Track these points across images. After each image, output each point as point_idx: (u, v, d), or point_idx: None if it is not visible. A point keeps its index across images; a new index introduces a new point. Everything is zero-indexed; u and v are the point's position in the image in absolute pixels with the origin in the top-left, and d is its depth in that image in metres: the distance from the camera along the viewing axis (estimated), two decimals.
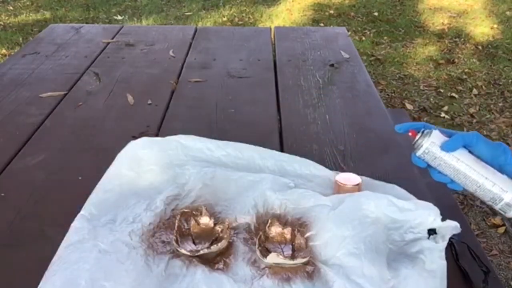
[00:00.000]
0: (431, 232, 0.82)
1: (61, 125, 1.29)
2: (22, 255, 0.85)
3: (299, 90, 1.49)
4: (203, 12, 4.54)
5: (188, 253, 0.79)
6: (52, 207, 0.97)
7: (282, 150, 1.15)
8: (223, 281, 0.75)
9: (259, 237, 0.83)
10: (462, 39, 3.88)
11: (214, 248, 0.80)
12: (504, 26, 4.13)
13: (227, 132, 1.23)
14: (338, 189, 0.94)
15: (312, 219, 0.86)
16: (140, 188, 0.95)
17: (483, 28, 4.07)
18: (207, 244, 0.83)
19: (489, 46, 3.75)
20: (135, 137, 1.11)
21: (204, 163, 1.03)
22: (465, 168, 0.77)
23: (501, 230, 1.98)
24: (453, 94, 3.07)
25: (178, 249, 0.80)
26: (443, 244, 0.80)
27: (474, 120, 2.78)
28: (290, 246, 0.83)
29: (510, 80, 3.25)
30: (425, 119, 2.77)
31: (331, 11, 4.53)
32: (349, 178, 0.95)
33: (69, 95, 1.45)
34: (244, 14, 4.48)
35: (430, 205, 0.85)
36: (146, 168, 1.00)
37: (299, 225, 0.86)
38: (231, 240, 0.83)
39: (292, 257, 0.80)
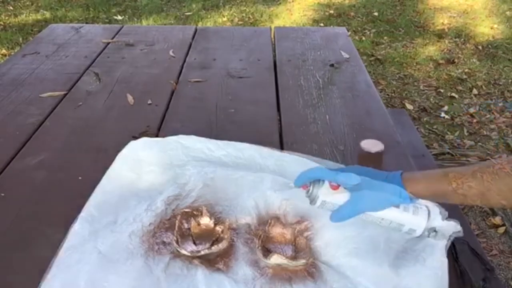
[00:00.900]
0: (431, 230, 0.83)
1: (61, 125, 1.29)
2: (22, 255, 0.85)
3: (299, 90, 1.49)
4: (203, 12, 4.54)
5: (189, 254, 0.79)
6: (52, 207, 0.97)
7: (282, 150, 1.15)
8: (224, 281, 0.74)
9: (260, 237, 0.83)
10: (462, 39, 3.88)
11: (215, 248, 0.80)
12: (504, 26, 4.13)
13: (227, 132, 1.23)
14: (363, 155, 1.02)
15: (313, 219, 0.86)
16: (140, 189, 0.95)
17: (483, 28, 4.07)
18: (207, 245, 0.83)
19: (489, 46, 3.75)
20: (135, 137, 1.11)
21: (205, 163, 1.03)
22: (360, 216, 0.80)
23: (501, 230, 1.98)
24: (453, 94, 3.07)
25: (179, 249, 0.80)
26: (444, 242, 0.80)
27: (474, 120, 2.78)
28: (291, 247, 0.83)
29: (510, 80, 3.25)
30: (425, 119, 2.77)
31: (331, 11, 4.53)
32: (374, 144, 1.04)
33: (69, 95, 1.45)
34: (244, 14, 4.48)
35: (434, 204, 0.85)
36: (146, 169, 1.00)
37: (299, 225, 0.86)
38: (231, 241, 0.83)
39: (293, 257, 0.80)
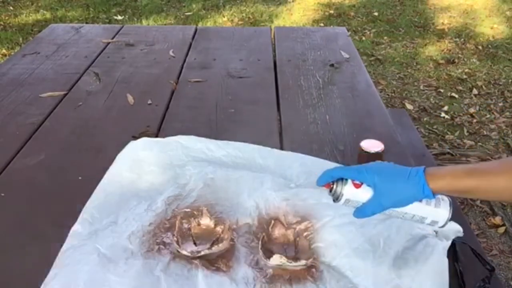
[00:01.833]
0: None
1: (61, 125, 1.29)
2: (22, 255, 0.85)
3: (299, 90, 1.48)
4: (203, 12, 4.54)
5: (189, 254, 0.79)
6: (52, 207, 0.97)
7: (282, 150, 1.15)
8: (224, 282, 0.74)
9: (262, 238, 0.82)
10: (462, 39, 3.88)
11: (215, 248, 0.80)
12: (504, 26, 4.13)
13: (227, 132, 1.23)
14: (362, 155, 1.02)
15: (315, 219, 0.86)
16: (141, 190, 0.95)
17: (483, 28, 4.07)
18: (208, 245, 0.83)
19: (489, 46, 3.75)
20: (135, 137, 1.11)
21: (205, 163, 1.03)
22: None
23: (501, 230, 1.98)
24: (453, 94, 3.07)
25: (179, 249, 0.80)
26: (446, 243, 0.80)
27: (474, 120, 2.77)
28: (293, 247, 0.83)
29: (510, 80, 3.25)
30: (425, 119, 2.77)
31: (331, 11, 4.52)
32: (374, 144, 1.04)
33: (69, 95, 1.45)
34: (244, 14, 4.48)
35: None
36: (146, 169, 1.00)
37: (301, 226, 0.86)
38: (232, 241, 0.83)
39: (295, 258, 0.80)
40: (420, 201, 0.79)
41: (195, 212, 0.89)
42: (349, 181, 0.79)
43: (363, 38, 3.92)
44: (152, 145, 1.06)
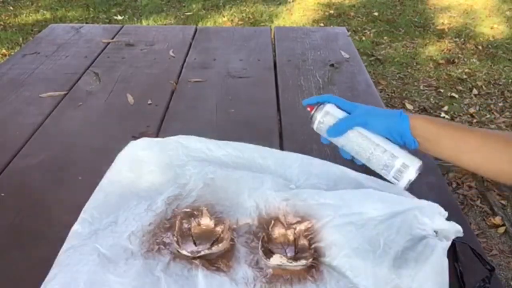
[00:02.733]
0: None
1: (61, 125, 1.29)
2: (22, 255, 0.85)
3: (299, 90, 1.48)
4: (203, 12, 4.54)
5: (189, 254, 0.79)
6: (52, 207, 0.97)
7: (282, 150, 1.15)
8: (224, 282, 0.74)
9: (262, 238, 0.83)
10: (462, 39, 3.88)
11: (215, 249, 0.80)
12: (504, 26, 4.13)
13: (227, 132, 1.23)
14: None
15: (315, 219, 0.86)
16: (141, 189, 0.95)
17: (483, 28, 4.07)
18: (208, 245, 0.83)
19: (489, 46, 3.76)
20: (135, 137, 1.11)
21: (205, 163, 1.02)
22: (357, 137, 0.85)
23: (501, 230, 1.98)
24: (453, 94, 3.07)
25: (179, 250, 0.80)
26: (446, 243, 0.80)
27: (474, 120, 2.78)
28: (293, 247, 0.83)
29: (510, 80, 3.25)
30: None
31: (331, 11, 4.53)
32: None
33: (69, 95, 1.45)
34: (244, 14, 4.48)
35: (435, 205, 0.85)
36: (146, 169, 1.00)
37: (301, 226, 0.86)
38: (232, 241, 0.83)
39: (296, 258, 0.80)
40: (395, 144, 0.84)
41: (195, 212, 0.89)
42: (329, 104, 0.85)
43: (363, 38, 3.92)
44: (152, 145, 1.06)
